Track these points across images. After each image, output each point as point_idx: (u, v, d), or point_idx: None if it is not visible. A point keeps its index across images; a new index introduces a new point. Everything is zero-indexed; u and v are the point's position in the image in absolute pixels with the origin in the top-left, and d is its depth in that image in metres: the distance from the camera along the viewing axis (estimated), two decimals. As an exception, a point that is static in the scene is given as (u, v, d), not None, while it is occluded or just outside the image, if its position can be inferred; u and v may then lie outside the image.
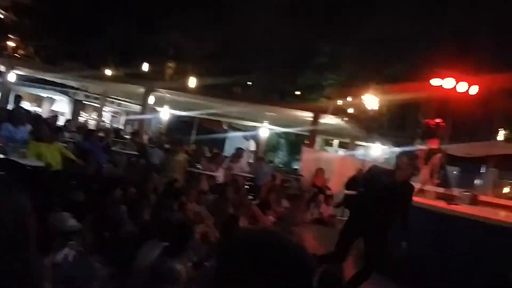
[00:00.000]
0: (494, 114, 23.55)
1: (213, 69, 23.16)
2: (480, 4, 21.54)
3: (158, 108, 21.93)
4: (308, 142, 16.92)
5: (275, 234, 1.34)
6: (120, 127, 23.53)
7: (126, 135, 19.03)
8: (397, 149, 21.23)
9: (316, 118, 16.09)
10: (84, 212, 5.14)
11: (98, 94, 22.39)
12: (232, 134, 25.34)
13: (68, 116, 21.85)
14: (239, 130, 25.46)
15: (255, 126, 22.73)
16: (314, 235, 10.86)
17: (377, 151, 22.33)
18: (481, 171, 22.21)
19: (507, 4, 16.59)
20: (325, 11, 24.16)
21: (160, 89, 18.08)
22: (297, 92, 26.21)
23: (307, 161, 14.75)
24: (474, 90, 10.57)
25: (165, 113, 22.10)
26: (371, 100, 20.80)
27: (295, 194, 12.96)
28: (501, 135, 24.86)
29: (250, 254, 1.25)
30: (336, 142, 25.22)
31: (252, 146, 24.01)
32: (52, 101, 24.50)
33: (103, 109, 22.90)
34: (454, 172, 23.77)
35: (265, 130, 21.80)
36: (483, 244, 6.88)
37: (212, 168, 11.83)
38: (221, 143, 23.92)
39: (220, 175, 11.69)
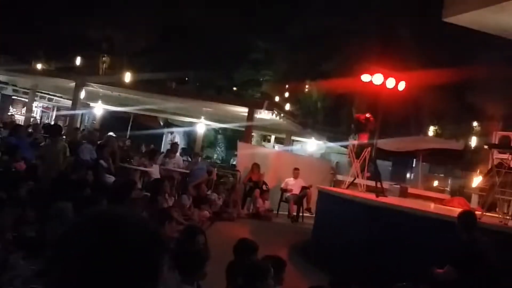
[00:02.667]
0: (424, 110, 24.42)
1: (149, 64, 22.84)
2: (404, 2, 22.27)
3: (91, 104, 21.40)
4: (244, 138, 16.96)
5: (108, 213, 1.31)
6: (51, 122, 22.79)
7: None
8: (332, 144, 21.76)
9: (251, 113, 16.17)
10: (3, 208, 4.95)
11: (27, 89, 21.60)
12: (169, 129, 25.11)
13: (-4, 111, 20.97)
14: (176, 125, 25.23)
15: (192, 122, 22.60)
16: (250, 229, 10.95)
17: (313, 146, 22.71)
18: (413, 165, 23.02)
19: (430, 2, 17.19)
20: (261, 7, 24.28)
21: (93, 84, 17.64)
22: (234, 88, 26.25)
23: (243, 156, 14.81)
24: (402, 86, 10.88)
25: (99, 109, 21.59)
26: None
27: (231, 189, 13.01)
28: (431, 130, 25.82)
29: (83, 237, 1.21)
30: (273, 137, 25.45)
31: (178, 140, 23.80)
32: (-21, 96, 23.44)
33: (33, 104, 22.10)
34: (387, 166, 24.52)
35: (202, 126, 21.71)
36: (408, 233, 7.13)
37: (146, 164, 11.66)
38: (158, 139, 23.63)
39: (154, 171, 11.54)
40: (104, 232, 1.21)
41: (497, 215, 7.47)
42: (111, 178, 10.04)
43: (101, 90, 18.23)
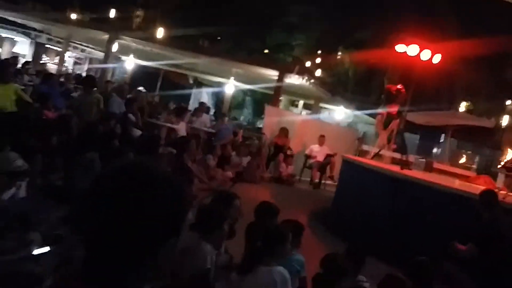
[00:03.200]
0: (457, 85, 23.94)
1: (182, 21, 22.71)
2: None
3: (123, 57, 21.50)
4: (272, 101, 16.91)
5: (138, 164, 1.34)
6: (83, 73, 23.05)
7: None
8: (360, 113, 21.58)
9: (282, 77, 16.06)
10: (35, 155, 5.07)
11: (61, 38, 21.77)
12: (198, 89, 25.16)
13: (29, 59, 21.22)
14: (205, 85, 25.26)
15: (221, 82, 22.57)
16: (272, 192, 11.04)
17: (341, 115, 22.54)
18: (440, 140, 22.74)
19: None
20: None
21: (126, 37, 17.69)
22: (265, 51, 26.04)
23: (270, 120, 14.79)
24: (437, 58, 10.70)
25: (130, 63, 21.69)
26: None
27: (255, 151, 13.06)
28: (462, 106, 25.38)
29: (115, 187, 1.26)
30: (301, 102, 25.30)
31: (205, 99, 23.80)
32: (13, 42, 23.71)
33: (66, 54, 22.31)
34: (415, 139, 24.29)
35: (231, 87, 21.68)
36: (430, 208, 7.11)
37: (173, 121, 11.75)
38: (186, 97, 23.72)
39: (181, 128, 11.63)
40: (130, 182, 1.26)
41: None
42: (138, 132, 10.15)
43: (133, 44, 18.27)
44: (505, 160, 10.06)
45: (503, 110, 22.17)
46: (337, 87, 23.37)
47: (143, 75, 22.73)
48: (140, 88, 15.94)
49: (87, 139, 7.40)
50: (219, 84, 23.00)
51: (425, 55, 10.57)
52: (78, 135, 7.89)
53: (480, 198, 5.61)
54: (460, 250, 5.28)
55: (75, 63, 25.52)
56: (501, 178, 9.80)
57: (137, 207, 1.24)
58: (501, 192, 7.38)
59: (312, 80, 17.27)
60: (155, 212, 1.25)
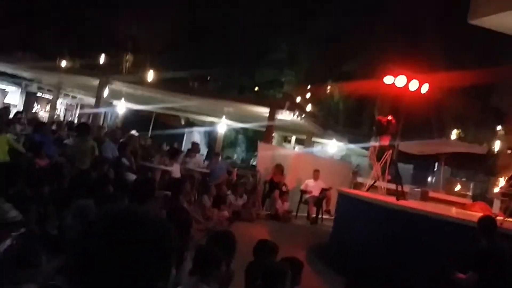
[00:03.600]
0: (447, 113, 24.17)
1: (171, 63, 22.95)
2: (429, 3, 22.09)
3: (114, 102, 21.60)
4: (264, 138, 16.96)
5: (127, 210, 1.37)
6: (74, 120, 23.09)
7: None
8: (353, 146, 21.66)
9: (273, 113, 16.16)
10: (29, 204, 5.03)
11: (52, 86, 21.89)
12: (190, 129, 25.22)
13: (21, 108, 21.28)
14: (197, 125, 25.34)
15: (213, 121, 22.67)
16: (269, 230, 10.96)
17: (334, 148, 22.62)
18: (434, 169, 22.80)
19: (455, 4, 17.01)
20: (284, 7, 24.28)
21: (116, 82, 17.82)
22: (256, 88, 26.28)
23: (263, 157, 14.82)
24: (425, 88, 10.79)
25: (122, 107, 21.79)
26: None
27: (250, 189, 13.03)
28: (453, 134, 25.52)
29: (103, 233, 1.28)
30: (293, 138, 25.41)
31: (198, 139, 23.87)
32: (4, 92, 23.81)
33: (57, 101, 22.40)
34: (409, 170, 24.35)
35: (223, 126, 21.77)
36: (428, 237, 7.08)
37: (167, 163, 11.75)
38: (179, 138, 23.76)
39: (175, 170, 11.62)
40: (120, 229, 1.28)
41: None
42: (132, 176, 10.12)
43: (124, 88, 18.40)
44: (500, 186, 10.08)
45: (494, 136, 22.31)
46: (329, 120, 23.53)
47: (135, 119, 22.83)
48: (133, 131, 15.99)
49: (80, 185, 7.37)
50: (211, 124, 23.10)
51: (413, 85, 10.67)
52: (71, 182, 7.86)
53: (478, 224, 5.60)
54: (461, 279, 5.24)
55: (67, 110, 25.59)
56: (497, 204, 9.81)
57: (127, 253, 1.26)
58: (498, 218, 7.37)
59: (303, 115, 17.38)
60: (144, 258, 1.27)
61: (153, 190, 8.31)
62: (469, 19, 13.54)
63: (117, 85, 17.98)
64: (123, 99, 21.02)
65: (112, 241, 1.26)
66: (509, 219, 7.45)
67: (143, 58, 23.87)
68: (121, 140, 12.03)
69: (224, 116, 20.78)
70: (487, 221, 5.61)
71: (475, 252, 5.36)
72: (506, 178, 9.96)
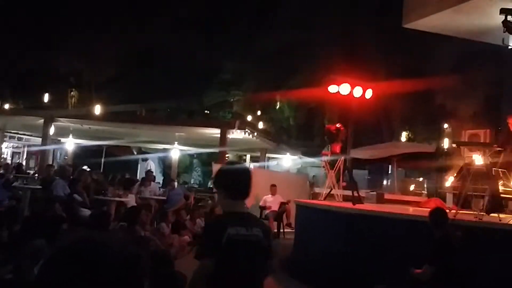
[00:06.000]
0: (394, 116, 24.76)
1: (117, 94, 22.76)
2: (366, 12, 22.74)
3: (62, 139, 21.18)
4: (218, 159, 16.94)
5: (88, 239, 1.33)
6: (22, 162, 22.49)
7: (28, 169, 18.22)
8: (308, 158, 21.87)
9: (224, 134, 16.18)
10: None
11: (-4, 130, 21.31)
12: (143, 157, 24.93)
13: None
14: (150, 153, 25.08)
15: (165, 148, 22.49)
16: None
17: (288, 162, 22.79)
18: (389, 172, 23.24)
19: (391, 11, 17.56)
20: (225, 28, 24.50)
21: (62, 119, 17.47)
22: (206, 111, 26.29)
23: (219, 178, 14.74)
24: (369, 94, 11.05)
25: (70, 143, 21.37)
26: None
27: (209, 212, 12.93)
28: (403, 136, 26.15)
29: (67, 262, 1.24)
30: (248, 156, 25.46)
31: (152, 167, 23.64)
32: None
33: (3, 145, 21.79)
34: (365, 175, 24.74)
35: (176, 151, 21.62)
36: (386, 237, 7.19)
37: (121, 194, 11.56)
38: (133, 168, 23.43)
39: (130, 200, 11.44)
40: (81, 258, 1.23)
41: (472, 212, 7.58)
42: (87, 212, 9.92)
43: (71, 124, 18.07)
44: (450, 180, 10.37)
45: (442, 134, 22.96)
46: (281, 135, 23.73)
47: (85, 154, 22.39)
48: (84, 167, 15.67)
49: (32, 227, 7.18)
50: (164, 151, 22.91)
51: (357, 92, 10.92)
52: (23, 224, 7.65)
53: (430, 218, 5.73)
54: (418, 274, 5.34)
55: (14, 152, 24.92)
56: (449, 198, 10.07)
57: (89, 283, 1.21)
58: (452, 211, 7.56)
59: (255, 133, 17.48)
60: (109, 284, 1.22)
61: (109, 223, 8.19)
62: (403, 23, 14.01)
63: (63, 122, 17.64)
64: (71, 135, 20.63)
65: (72, 271, 1.21)
66: (462, 211, 7.66)
67: (89, 92, 23.58)
68: (72, 177, 11.79)
69: (176, 142, 20.65)
70: (438, 214, 5.74)
71: (429, 246, 5.48)
72: (455, 172, 10.23)
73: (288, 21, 24.01)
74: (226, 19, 24.64)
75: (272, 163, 22.84)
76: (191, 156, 26.72)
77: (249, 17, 24.99)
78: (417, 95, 21.80)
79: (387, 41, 21.28)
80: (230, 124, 16.37)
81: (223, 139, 16.22)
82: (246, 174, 3.28)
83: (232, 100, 26.19)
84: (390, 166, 21.86)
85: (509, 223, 6.68)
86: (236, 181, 3.18)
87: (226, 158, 19.29)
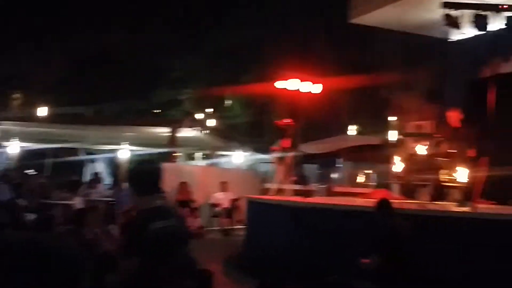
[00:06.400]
0: (343, 110, 25.11)
1: (64, 96, 22.20)
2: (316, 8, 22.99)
3: (6, 143, 20.47)
4: (168, 158, 16.78)
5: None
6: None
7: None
8: (259, 155, 21.91)
9: (174, 132, 16.04)
10: None
11: None
12: (91, 158, 24.38)
13: None
14: (98, 154, 24.53)
15: (114, 149, 22.05)
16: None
17: (240, 158, 22.75)
18: (338, 165, 23.57)
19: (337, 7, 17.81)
20: (173, 26, 24.27)
21: (5, 122, 16.91)
22: (156, 110, 25.97)
23: (169, 177, 14.57)
24: (317, 89, 11.16)
25: (15, 147, 20.66)
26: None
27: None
28: (352, 129, 26.55)
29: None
30: (199, 154, 25.28)
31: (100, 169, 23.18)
32: None
33: None
34: (315, 169, 24.99)
35: (125, 152, 21.22)
36: (335, 228, 7.28)
37: (68, 197, 11.29)
38: (80, 170, 22.89)
39: (77, 203, 11.17)
40: (21, 259, 1.20)
41: (417, 201, 7.76)
42: (32, 216, 9.63)
43: (15, 127, 17.50)
44: (395, 171, 10.58)
45: (389, 126, 23.42)
46: (232, 133, 23.67)
47: (31, 157, 21.71)
48: (29, 170, 15.22)
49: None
50: (113, 151, 22.47)
51: (305, 87, 11.00)
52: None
53: (376, 208, 5.83)
54: (365, 263, 5.43)
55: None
56: (396, 188, 10.28)
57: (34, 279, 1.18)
58: (398, 200, 7.74)
59: (206, 131, 17.40)
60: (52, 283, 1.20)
61: (53, 226, 7.97)
62: (349, 18, 14.22)
63: (7, 125, 17.07)
64: (16, 139, 19.97)
65: (11, 272, 1.18)
66: (407, 200, 7.85)
67: (33, 94, 22.91)
68: (16, 181, 11.45)
69: (125, 142, 20.28)
70: (383, 204, 5.86)
71: (376, 235, 5.58)
72: (401, 163, 10.45)
73: (239, 18, 24.00)
74: (175, 17, 24.41)
75: (223, 160, 22.74)
76: (141, 156, 26.30)
77: (199, 14, 24.82)
78: (365, 89, 22.19)
79: (335, 37, 21.57)
80: (179, 122, 16.24)
81: (173, 138, 16.07)
82: (153, 172, 3.46)
83: (183, 98, 25.94)
84: (339, 160, 22.18)
85: (451, 210, 6.88)
86: (143, 179, 3.35)
87: (176, 157, 19.16)
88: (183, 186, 13.52)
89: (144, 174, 3.42)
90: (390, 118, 23.46)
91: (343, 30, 17.65)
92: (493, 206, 9.55)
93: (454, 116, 9.57)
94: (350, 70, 20.46)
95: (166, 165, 15.48)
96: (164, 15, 24.68)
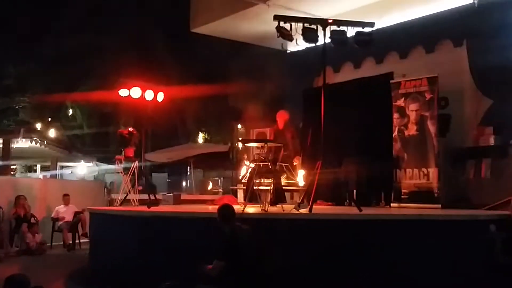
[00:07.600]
0: (190, 118, 25.35)
1: None
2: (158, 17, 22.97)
3: None
4: (2, 171, 15.60)
5: None
6: None
7: None
8: (104, 165, 21.26)
9: (7, 143, 14.96)
10: None
11: None
12: None
13: None
14: None
15: None
16: (22, 267, 10.12)
17: (83, 169, 21.93)
18: (187, 173, 23.73)
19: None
20: (5, 31, 22.63)
21: None
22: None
23: (4, 191, 13.55)
24: (160, 97, 11.09)
25: None
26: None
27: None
28: (200, 137, 26.86)
29: None
30: (39, 166, 23.87)
31: None
32: None
33: None
34: (165, 178, 24.90)
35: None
36: (179, 236, 7.32)
37: None
38: None
39: None
40: None
41: (259, 205, 8.07)
42: None
43: None
44: (240, 176, 10.93)
45: (235, 133, 24.09)
46: (74, 143, 22.71)
47: None
48: None
49: None
50: None
51: (149, 95, 10.88)
52: None
53: (217, 214, 5.97)
54: (208, 270, 5.54)
55: None
56: (240, 193, 10.59)
57: None
58: (240, 205, 8.01)
59: (44, 141, 16.47)
60: None
61: None
62: (191, 27, 14.41)
63: None
64: None
65: None
66: (250, 205, 8.14)
67: None
68: None
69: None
70: (224, 210, 6.02)
71: (217, 241, 5.71)
72: (244, 168, 10.80)
73: (77, 23, 23.09)
74: (5, 20, 22.74)
75: (65, 171, 21.71)
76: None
77: (32, 18, 23.36)
78: (210, 98, 22.58)
79: (181, 46, 21.70)
80: (14, 132, 15.19)
81: (6, 149, 14.97)
82: None
83: (17, 107, 24.22)
84: (188, 168, 22.35)
85: (290, 212, 7.26)
86: None
87: (13, 169, 17.89)
88: (19, 200, 12.64)
89: None
90: (236, 126, 24.20)
91: (188, 40, 17.82)
92: (329, 206, 10.30)
93: (281, 117, 10.23)
94: (197, 79, 20.72)
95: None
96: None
